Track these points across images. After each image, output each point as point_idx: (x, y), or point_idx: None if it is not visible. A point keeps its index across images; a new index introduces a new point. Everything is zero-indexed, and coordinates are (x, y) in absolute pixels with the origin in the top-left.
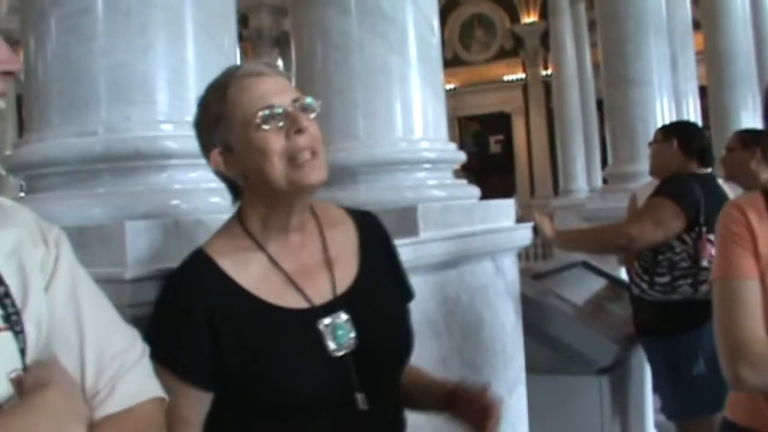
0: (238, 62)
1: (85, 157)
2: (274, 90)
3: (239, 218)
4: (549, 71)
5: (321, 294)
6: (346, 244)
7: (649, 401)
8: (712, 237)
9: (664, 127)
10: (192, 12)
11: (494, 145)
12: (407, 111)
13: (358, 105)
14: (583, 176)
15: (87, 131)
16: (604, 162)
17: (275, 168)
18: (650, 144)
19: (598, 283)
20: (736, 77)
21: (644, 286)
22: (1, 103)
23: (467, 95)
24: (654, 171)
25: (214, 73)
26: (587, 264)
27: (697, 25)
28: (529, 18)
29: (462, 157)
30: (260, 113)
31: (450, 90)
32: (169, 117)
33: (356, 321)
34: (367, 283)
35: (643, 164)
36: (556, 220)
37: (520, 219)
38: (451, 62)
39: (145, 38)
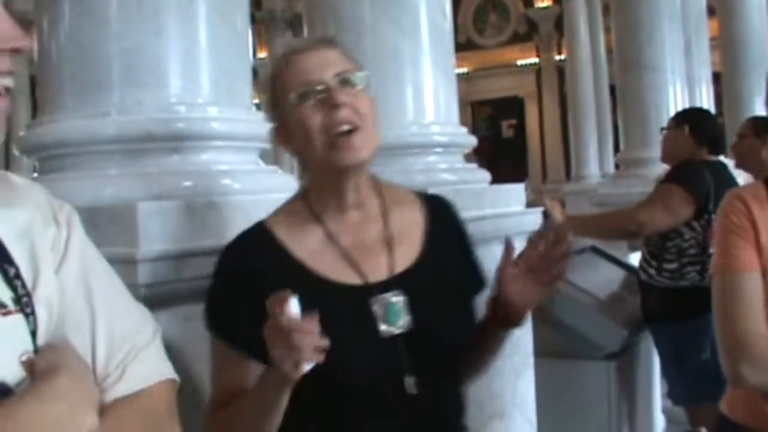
0: (250, 45)
1: (98, 139)
2: (315, 64)
3: (303, 192)
4: (562, 56)
5: (377, 272)
6: (410, 224)
7: (657, 387)
8: None
9: (677, 114)
10: None
11: (507, 130)
12: (418, 95)
13: (370, 88)
14: (595, 161)
15: (99, 113)
16: (616, 147)
17: (316, 146)
18: (662, 130)
19: (607, 269)
20: (750, 64)
21: (652, 272)
22: (9, 81)
23: (480, 79)
24: (665, 157)
25: (226, 55)
26: (597, 249)
27: (711, 11)
28: (543, 2)
29: (473, 141)
30: (299, 90)
31: (463, 74)
32: (181, 99)
33: (411, 303)
34: (428, 265)
35: (655, 150)
36: (568, 205)
37: (530, 204)
38: (464, 46)
39: (157, 21)
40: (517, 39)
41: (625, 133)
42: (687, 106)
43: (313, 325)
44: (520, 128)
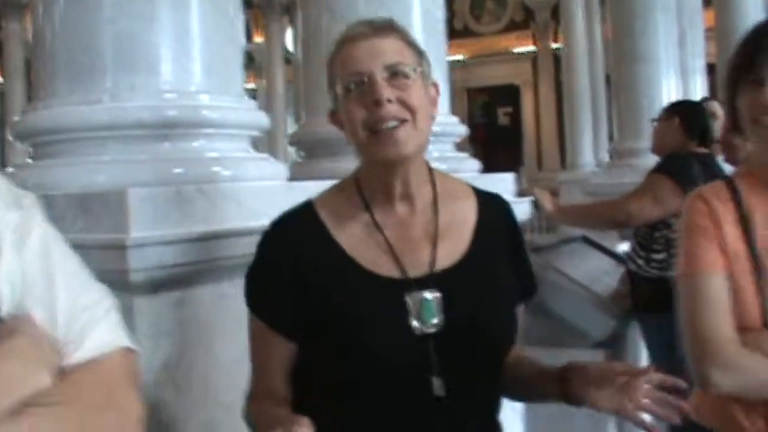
0: (243, 32)
1: (90, 125)
2: (365, 54)
3: (355, 176)
4: (559, 44)
5: (418, 267)
6: (460, 221)
7: None
8: None
9: (667, 106)
10: None
11: (502, 117)
12: None
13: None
14: (590, 150)
15: (92, 100)
16: (612, 137)
17: (359, 138)
18: (653, 122)
19: (597, 258)
20: None
21: (641, 262)
22: None
23: (476, 66)
24: (655, 148)
25: (218, 43)
26: (587, 239)
27: (707, 2)
28: None
29: (464, 130)
30: (345, 81)
31: (459, 61)
32: (173, 87)
33: (448, 302)
34: (472, 264)
35: (648, 141)
36: (563, 194)
37: (521, 193)
38: (460, 33)
39: (150, 7)
40: (513, 26)
41: (618, 124)
42: (681, 97)
43: None
44: (516, 116)
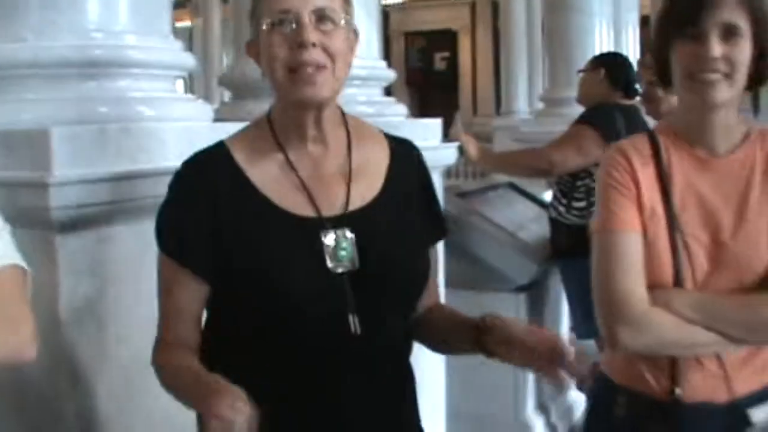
0: None
1: (14, 63)
2: None
3: (268, 116)
4: None
5: (331, 206)
6: (373, 163)
7: (564, 320)
8: None
9: (594, 58)
10: None
11: (439, 62)
12: None
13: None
14: (525, 98)
15: (16, 37)
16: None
17: (278, 76)
18: (579, 72)
19: (522, 204)
20: None
21: (562, 209)
22: None
23: (415, 11)
24: (581, 99)
25: None
26: (514, 185)
27: None
28: None
29: (391, 75)
30: (272, 18)
31: (398, 5)
32: (99, 26)
33: (363, 240)
34: (385, 205)
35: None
36: (496, 140)
37: (451, 139)
38: None
39: None
40: None
41: (550, 73)
42: (612, 48)
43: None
44: (453, 61)
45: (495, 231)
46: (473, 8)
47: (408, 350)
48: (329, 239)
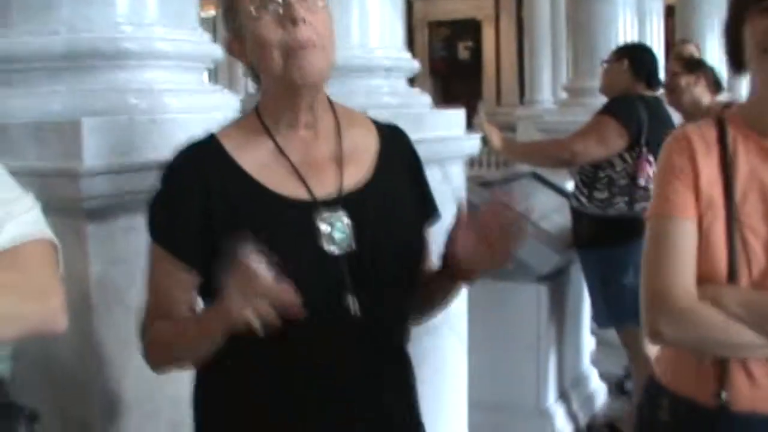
0: None
1: (46, 55)
2: None
3: (256, 107)
4: None
5: (325, 189)
6: (363, 147)
7: (586, 310)
8: (651, 158)
9: (617, 48)
10: None
11: (463, 51)
12: (363, 18)
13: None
14: (549, 88)
15: (49, 30)
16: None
17: (273, 61)
18: (602, 63)
19: (545, 194)
20: None
21: (583, 199)
22: None
23: (439, 0)
24: (604, 89)
25: None
26: (537, 175)
27: None
28: None
29: (416, 65)
30: (255, 2)
31: None
32: (129, 19)
33: (358, 223)
34: (377, 188)
35: None
36: (519, 130)
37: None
38: None
39: None
40: None
41: (573, 62)
42: (636, 38)
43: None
44: (477, 51)
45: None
46: None
47: (405, 335)
48: (324, 221)
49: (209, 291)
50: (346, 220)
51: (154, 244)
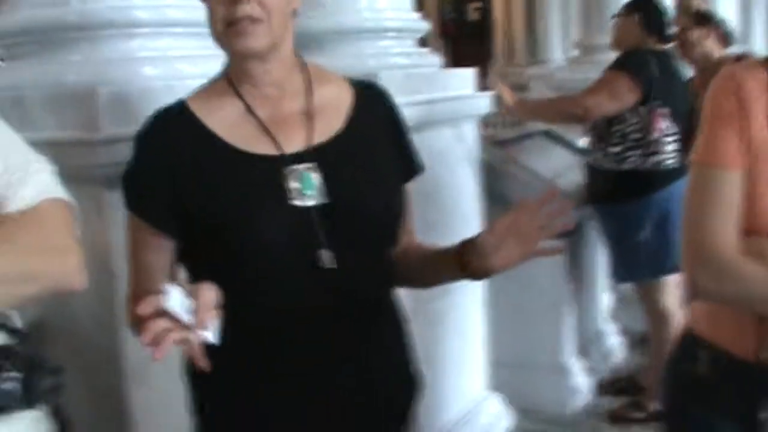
0: None
1: (60, 26)
2: None
3: (225, 71)
4: None
5: (293, 143)
6: (335, 101)
7: (602, 265)
8: (663, 111)
9: (628, 3)
10: None
11: (472, 12)
12: None
13: None
14: (559, 46)
15: (61, 2)
16: None
17: (218, 33)
18: (613, 17)
19: (558, 152)
20: None
21: (597, 155)
22: None
23: None
24: (615, 44)
25: None
26: (549, 133)
27: None
28: None
29: (425, 26)
30: None
31: None
32: None
33: (328, 176)
34: (349, 141)
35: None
36: (531, 89)
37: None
38: None
39: None
40: None
41: (584, 19)
42: None
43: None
44: (486, 11)
45: (532, 179)
46: None
47: (388, 291)
48: (292, 174)
49: (190, 255)
50: (315, 173)
51: (129, 213)
